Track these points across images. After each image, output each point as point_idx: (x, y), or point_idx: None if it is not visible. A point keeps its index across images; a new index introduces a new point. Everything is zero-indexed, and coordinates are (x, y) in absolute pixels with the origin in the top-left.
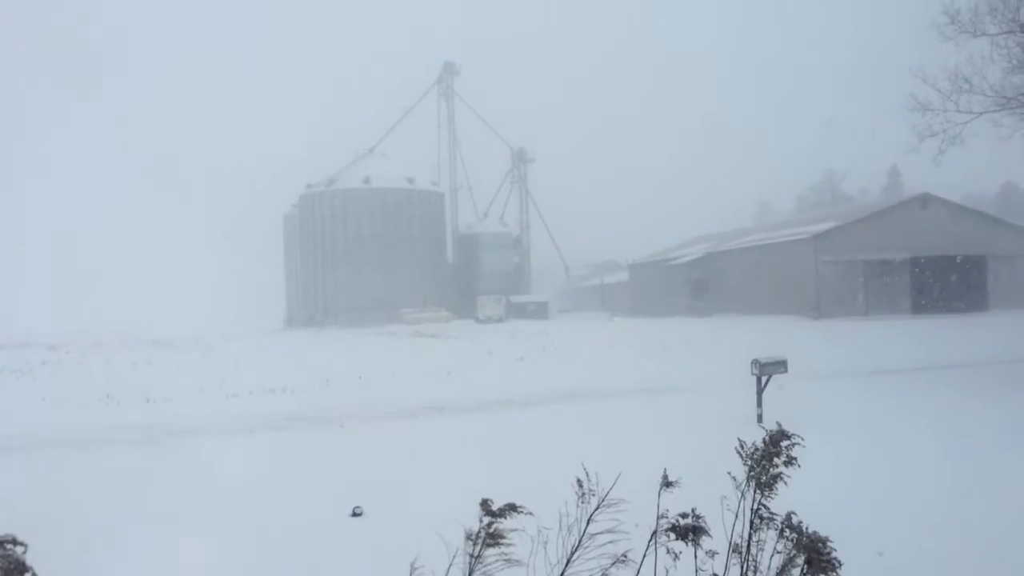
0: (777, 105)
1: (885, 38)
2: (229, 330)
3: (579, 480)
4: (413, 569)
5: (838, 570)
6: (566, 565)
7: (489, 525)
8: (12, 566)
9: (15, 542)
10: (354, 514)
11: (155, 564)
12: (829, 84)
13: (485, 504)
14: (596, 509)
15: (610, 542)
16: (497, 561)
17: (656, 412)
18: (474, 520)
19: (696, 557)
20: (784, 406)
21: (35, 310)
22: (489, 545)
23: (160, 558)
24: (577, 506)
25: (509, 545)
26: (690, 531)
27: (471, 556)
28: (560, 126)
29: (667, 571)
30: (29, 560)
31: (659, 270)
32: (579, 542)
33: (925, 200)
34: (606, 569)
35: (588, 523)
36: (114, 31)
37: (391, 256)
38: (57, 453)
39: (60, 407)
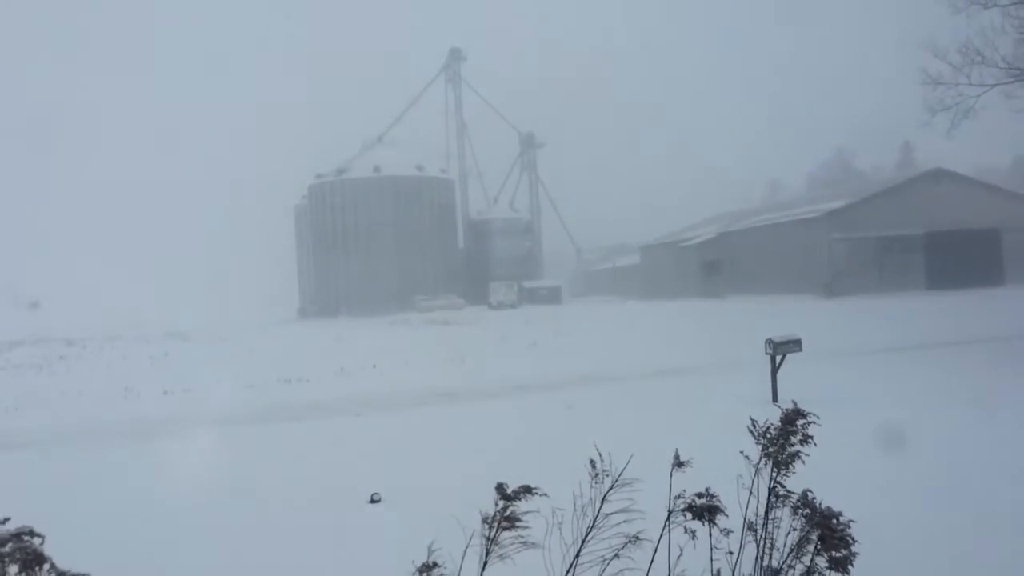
0: (786, 82)
1: (894, 11)
2: (243, 322)
3: (592, 461)
4: (430, 552)
5: (852, 547)
6: (581, 545)
7: (504, 508)
8: (30, 557)
9: (32, 534)
10: (372, 501)
11: (179, 554)
12: (838, 60)
13: (500, 488)
14: (610, 489)
15: (625, 522)
16: (513, 543)
17: (669, 394)
18: (490, 504)
19: (711, 536)
20: (799, 385)
21: (51, 305)
22: (505, 528)
23: (179, 548)
24: (591, 487)
25: (525, 527)
26: (705, 510)
27: (487, 539)
28: (568, 110)
29: (682, 550)
30: (39, 552)
31: (671, 252)
32: (594, 522)
33: (938, 175)
34: (620, 549)
35: (602, 503)
36: (132, 24)
37: (403, 244)
38: (77, 447)
39: (78, 401)
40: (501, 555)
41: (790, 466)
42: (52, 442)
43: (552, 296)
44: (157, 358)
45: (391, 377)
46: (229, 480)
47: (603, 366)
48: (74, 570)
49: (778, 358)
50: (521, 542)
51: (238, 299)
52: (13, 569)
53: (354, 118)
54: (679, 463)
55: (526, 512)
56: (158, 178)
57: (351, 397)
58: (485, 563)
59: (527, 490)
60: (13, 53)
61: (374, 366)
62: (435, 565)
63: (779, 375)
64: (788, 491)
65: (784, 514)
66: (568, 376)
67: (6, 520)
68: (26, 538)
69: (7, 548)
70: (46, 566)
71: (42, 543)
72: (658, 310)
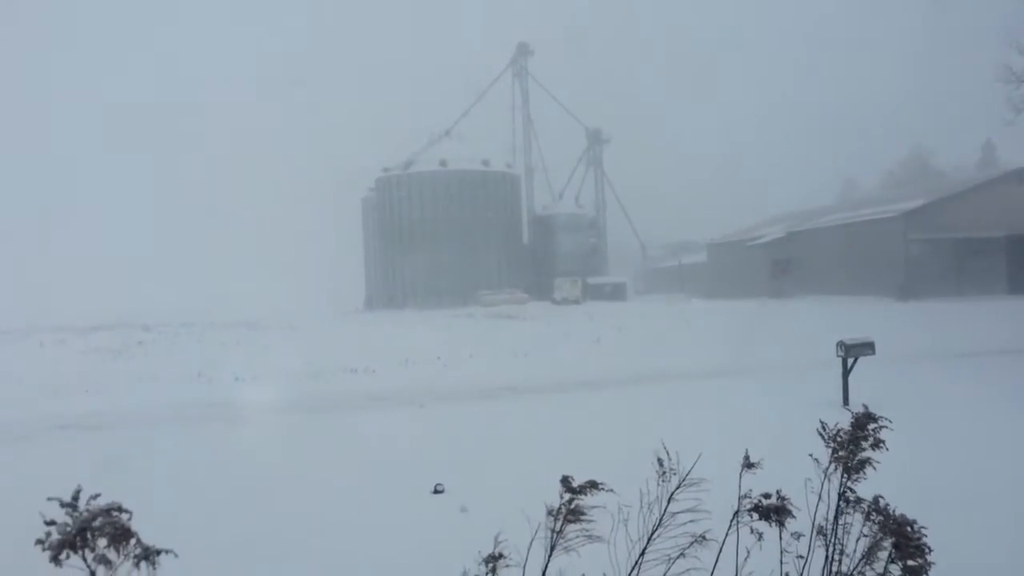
0: (862, 79)
1: (979, 6)
2: (311, 312)
3: (659, 459)
4: (497, 543)
5: (927, 556)
6: (647, 543)
7: (570, 501)
8: (118, 532)
9: (120, 509)
10: (435, 491)
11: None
12: (919, 55)
13: (566, 481)
14: (677, 488)
15: (691, 521)
16: (578, 537)
17: (736, 394)
18: (554, 498)
19: (781, 538)
20: (872, 389)
21: (129, 292)
22: (570, 521)
23: (247, 531)
24: (658, 484)
25: (590, 521)
26: (773, 511)
27: (553, 531)
28: (636, 104)
29: (748, 551)
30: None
31: (738, 250)
32: (660, 520)
33: (1021, 175)
34: (686, 548)
35: (669, 501)
36: (206, 16)
37: (467, 238)
38: (149, 429)
39: (154, 385)
40: (566, 547)
41: (861, 471)
42: (127, 424)
43: (616, 293)
44: (229, 345)
45: (455, 369)
46: (287, 466)
47: (668, 364)
48: (157, 545)
49: (850, 361)
50: (586, 535)
51: (307, 289)
52: (103, 542)
53: (422, 112)
54: (748, 464)
55: (592, 507)
56: (231, 170)
57: (415, 388)
58: (551, 555)
59: (593, 485)
60: (116, 35)
61: (438, 358)
62: (501, 556)
63: (851, 379)
64: (859, 496)
65: (855, 519)
66: (632, 373)
67: (96, 496)
68: (115, 513)
69: (97, 522)
70: (132, 541)
71: (129, 519)
72: (724, 309)
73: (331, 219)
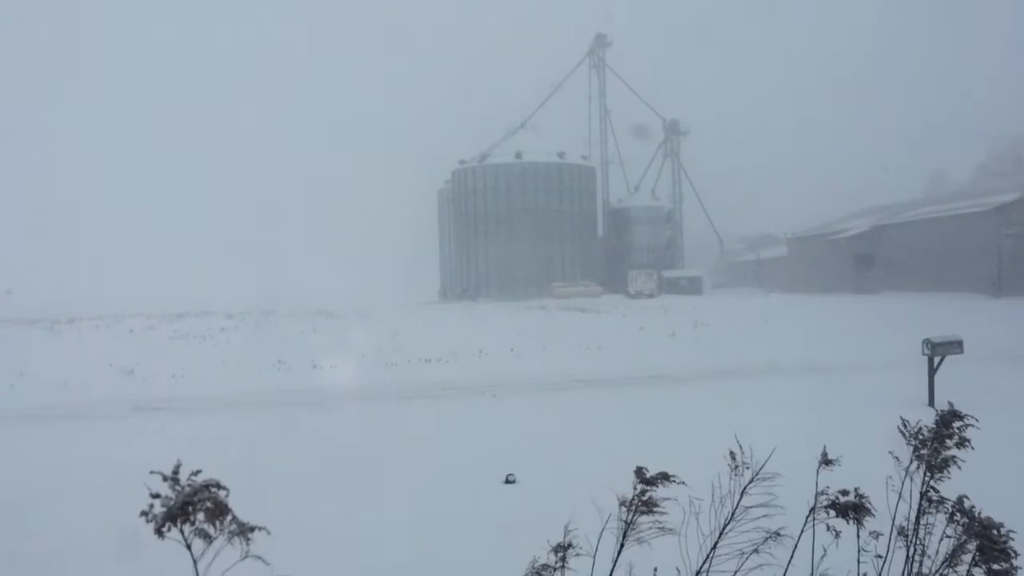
0: (952, 67)
1: None
2: (386, 302)
3: (732, 453)
4: (567, 532)
5: (1014, 560)
6: (719, 536)
7: (642, 493)
8: (216, 508)
9: (219, 486)
10: (507, 481)
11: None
12: (1017, 44)
13: (639, 472)
14: (750, 482)
15: (764, 516)
16: (650, 528)
17: (817, 391)
18: (624, 489)
19: (859, 537)
20: (960, 389)
21: (212, 280)
22: (642, 512)
23: (322, 516)
24: (730, 479)
25: (662, 513)
26: (851, 509)
27: (624, 522)
28: (715, 95)
29: (825, 550)
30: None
31: (820, 244)
32: (732, 515)
33: None
34: (760, 544)
35: (742, 496)
36: (286, 11)
37: (542, 230)
38: (235, 412)
39: (237, 371)
40: (638, 539)
41: (944, 471)
42: (210, 409)
43: (692, 286)
44: (307, 333)
45: (527, 361)
46: (358, 454)
47: (744, 360)
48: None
49: (936, 359)
50: (658, 527)
51: (382, 280)
52: (201, 517)
53: (498, 104)
54: (826, 460)
55: (663, 499)
56: (310, 163)
57: (488, 378)
58: (622, 545)
59: (665, 477)
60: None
61: (511, 349)
62: (570, 546)
63: (938, 378)
64: (942, 496)
65: (937, 520)
66: (707, 368)
67: (196, 472)
68: (212, 490)
69: (197, 498)
70: (228, 517)
71: (226, 495)
72: (804, 304)
73: (407, 211)
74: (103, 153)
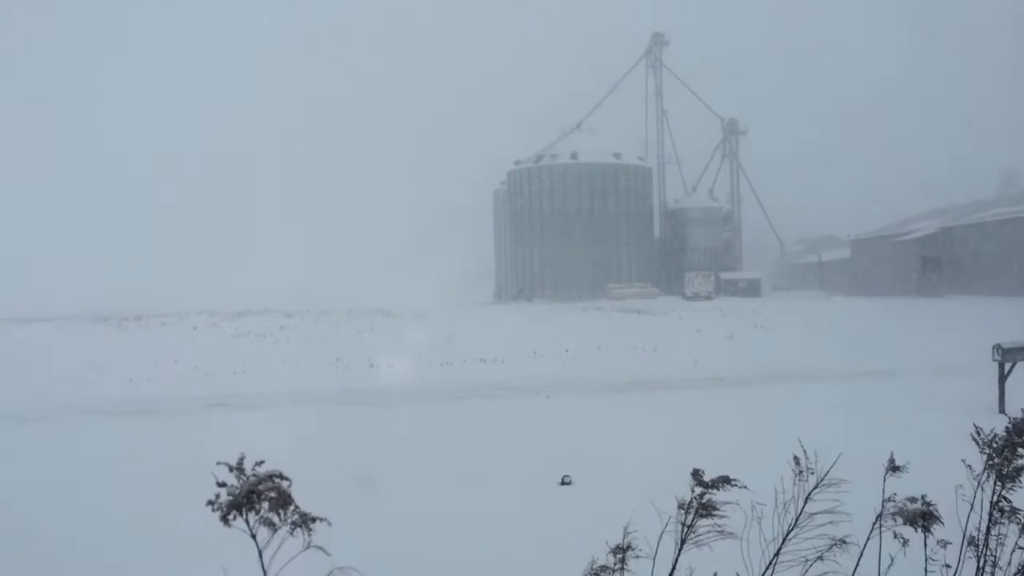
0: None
1: None
2: (441, 302)
3: (796, 458)
4: (626, 534)
5: None
6: (782, 543)
7: (701, 496)
8: (279, 498)
9: (282, 476)
10: (563, 483)
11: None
12: None
13: (697, 474)
14: (815, 488)
15: (829, 523)
16: (710, 532)
17: (881, 397)
18: (681, 492)
19: (926, 546)
20: None
21: (274, 280)
22: (702, 515)
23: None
24: (794, 484)
25: (723, 517)
26: (919, 517)
27: (683, 525)
28: (775, 94)
29: (892, 558)
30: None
31: (884, 246)
32: (795, 521)
33: None
34: (825, 551)
35: (806, 502)
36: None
37: (597, 231)
38: (295, 409)
39: (296, 369)
40: (697, 542)
41: (1016, 480)
42: (271, 405)
43: (751, 289)
44: (364, 332)
45: (582, 362)
46: (414, 451)
47: (805, 363)
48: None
49: (1007, 365)
50: (718, 531)
51: (438, 280)
52: (265, 506)
53: (554, 105)
54: (894, 467)
55: (725, 503)
56: (365, 163)
57: (542, 379)
58: (681, 548)
59: (725, 480)
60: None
61: (566, 350)
62: (629, 547)
63: (1009, 384)
64: (1013, 507)
65: (1010, 531)
66: (766, 371)
67: (260, 463)
68: (276, 480)
69: (262, 487)
70: (291, 507)
71: (289, 486)
72: (867, 307)
73: (463, 212)
74: (165, 151)
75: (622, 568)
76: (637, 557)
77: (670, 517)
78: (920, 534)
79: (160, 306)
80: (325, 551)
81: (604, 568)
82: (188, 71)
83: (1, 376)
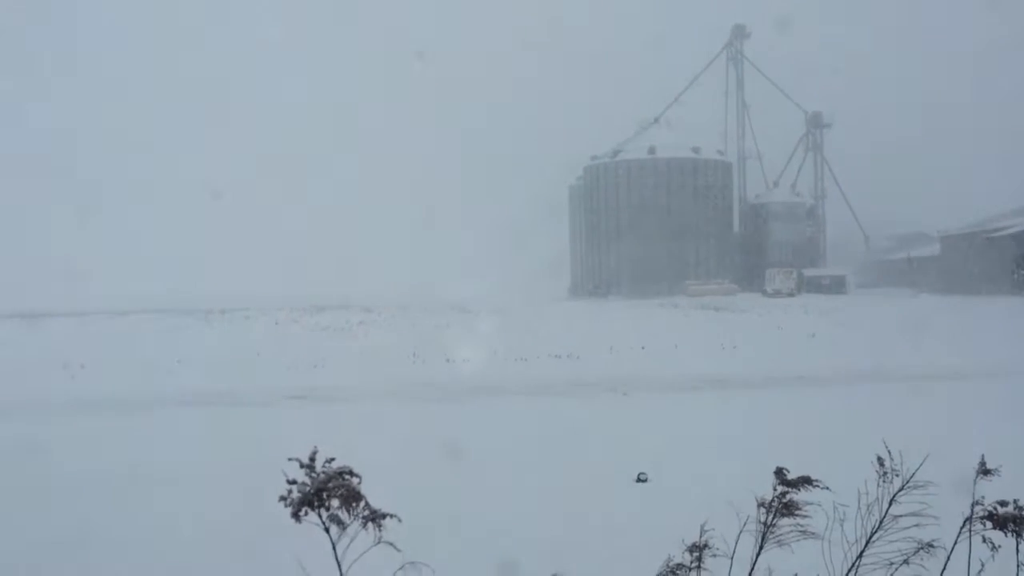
0: None
1: None
2: (517, 298)
3: (880, 459)
4: (703, 532)
5: None
6: (865, 545)
7: (783, 495)
8: (349, 494)
9: (351, 473)
10: (639, 480)
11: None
12: None
13: (779, 473)
14: (900, 490)
15: (915, 526)
16: (791, 531)
17: (969, 399)
18: (759, 493)
19: (1018, 551)
20: None
21: (349, 274)
22: (783, 515)
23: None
24: (878, 486)
25: (804, 516)
26: (1010, 521)
27: (763, 524)
28: (863, 85)
29: (983, 564)
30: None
31: (978, 243)
32: (880, 523)
33: None
34: (911, 554)
35: (890, 504)
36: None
37: (675, 227)
38: (375, 403)
39: (375, 361)
40: (778, 542)
41: None
42: (351, 398)
43: (835, 286)
44: (440, 327)
45: (659, 359)
46: (490, 447)
47: (895, 363)
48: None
49: None
50: (799, 530)
51: (513, 276)
52: (335, 503)
53: (631, 99)
54: (984, 470)
55: (807, 503)
56: (439, 158)
57: (618, 376)
58: (760, 548)
59: (807, 480)
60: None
61: (642, 347)
62: (706, 546)
63: None
64: None
65: None
66: (852, 372)
67: (331, 460)
68: (346, 477)
69: (332, 484)
70: (361, 503)
71: (359, 483)
72: (960, 306)
73: (538, 206)
74: (247, 148)
75: (699, 567)
76: (714, 556)
77: (748, 516)
78: (1012, 539)
79: (244, 300)
80: (395, 547)
81: (680, 566)
82: (288, 63)
83: (102, 367)
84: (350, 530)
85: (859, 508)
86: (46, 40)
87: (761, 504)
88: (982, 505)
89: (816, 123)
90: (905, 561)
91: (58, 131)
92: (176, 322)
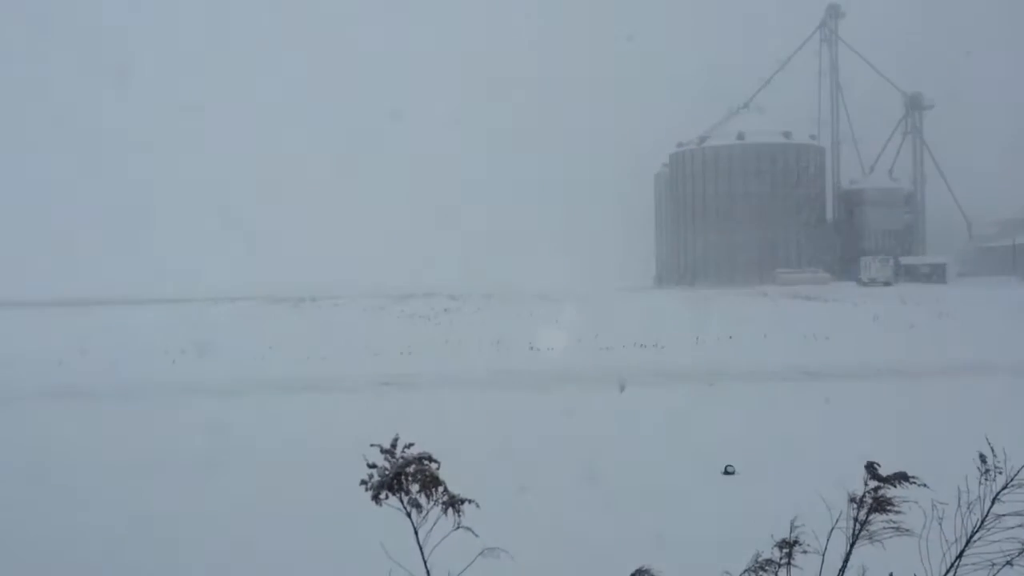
0: None
1: None
2: (601, 287)
3: (982, 456)
4: (793, 528)
5: None
6: (966, 544)
7: (876, 490)
8: (428, 479)
9: (430, 459)
10: (726, 472)
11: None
12: None
13: (871, 467)
14: (1003, 488)
15: (1020, 526)
16: (885, 528)
17: None
18: (852, 486)
19: None
20: None
21: (436, 263)
22: (876, 511)
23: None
24: (979, 484)
25: (899, 513)
26: None
27: (855, 520)
28: (968, 64)
29: None
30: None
31: None
32: (981, 523)
33: None
34: (1014, 556)
35: (993, 503)
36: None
37: (764, 214)
38: (459, 390)
39: (458, 349)
40: (871, 538)
41: None
42: (437, 384)
43: (935, 274)
44: (524, 316)
45: (746, 349)
46: (577, 436)
47: (999, 356)
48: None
49: None
50: (893, 527)
51: (598, 265)
52: (415, 487)
53: (719, 84)
54: None
55: (902, 499)
56: (524, 147)
57: (703, 366)
58: (852, 544)
59: (902, 477)
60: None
61: (729, 337)
62: (796, 542)
63: None
64: None
65: None
66: (954, 364)
67: (410, 445)
68: (425, 463)
69: (411, 469)
70: (440, 488)
71: (438, 468)
72: None
73: (624, 194)
74: (331, 137)
75: (788, 563)
76: (805, 552)
77: (841, 512)
78: None
79: (334, 287)
80: (473, 532)
81: (769, 562)
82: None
83: (198, 355)
84: (432, 517)
85: (959, 507)
86: (144, 38)
87: (853, 500)
88: None
89: (916, 104)
90: (1008, 562)
91: (172, 129)
92: (264, 310)
